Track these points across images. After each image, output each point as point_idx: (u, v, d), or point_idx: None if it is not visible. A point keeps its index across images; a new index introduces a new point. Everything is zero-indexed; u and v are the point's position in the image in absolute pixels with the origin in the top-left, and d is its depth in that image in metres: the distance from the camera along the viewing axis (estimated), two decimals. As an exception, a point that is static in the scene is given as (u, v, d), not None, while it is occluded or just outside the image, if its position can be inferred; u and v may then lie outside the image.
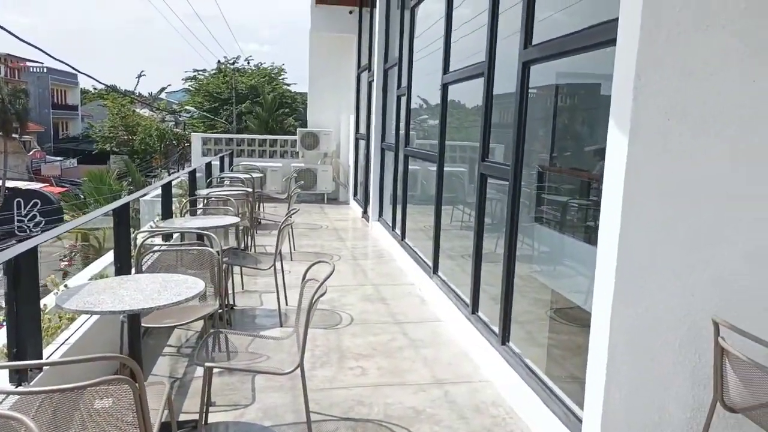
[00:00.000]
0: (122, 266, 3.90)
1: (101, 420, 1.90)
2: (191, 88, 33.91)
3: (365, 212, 9.71)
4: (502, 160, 4.15)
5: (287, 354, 3.07)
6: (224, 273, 4.18)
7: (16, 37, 9.93)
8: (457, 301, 4.73)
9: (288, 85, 33.25)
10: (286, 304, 5.01)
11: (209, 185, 8.03)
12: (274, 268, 4.75)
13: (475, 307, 4.39)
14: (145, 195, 7.30)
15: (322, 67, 12.36)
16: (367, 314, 5.03)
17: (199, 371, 3.64)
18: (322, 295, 2.83)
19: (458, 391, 3.65)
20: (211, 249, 3.80)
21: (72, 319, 3.53)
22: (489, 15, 4.20)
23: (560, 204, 3.67)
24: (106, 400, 1.89)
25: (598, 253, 2.50)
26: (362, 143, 10.47)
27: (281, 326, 4.70)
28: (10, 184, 25.14)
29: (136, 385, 1.89)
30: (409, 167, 6.97)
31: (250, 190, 7.06)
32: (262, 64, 33.75)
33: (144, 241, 4.02)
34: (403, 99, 7.10)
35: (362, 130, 10.52)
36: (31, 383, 2.70)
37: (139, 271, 3.65)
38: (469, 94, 4.98)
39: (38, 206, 21.17)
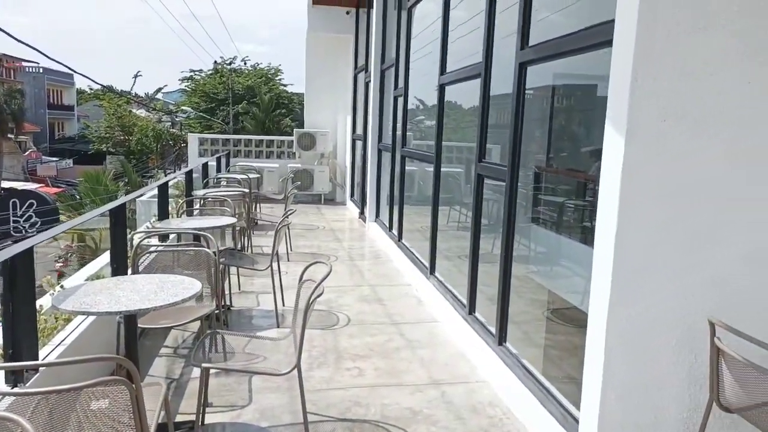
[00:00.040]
0: (119, 267, 3.90)
1: (98, 421, 1.89)
2: (188, 89, 33.85)
3: (362, 213, 9.71)
4: (498, 160, 4.16)
5: (284, 355, 3.06)
6: (221, 274, 4.18)
7: (12, 36, 9.90)
8: (454, 302, 4.73)
9: (285, 85, 33.25)
10: (283, 305, 5.00)
11: (206, 186, 8.03)
12: (271, 269, 4.75)
13: (472, 308, 4.39)
14: (141, 195, 7.28)
15: (319, 67, 12.36)
16: (364, 315, 5.03)
17: (196, 372, 3.63)
18: (319, 296, 2.83)
19: (455, 392, 3.66)
20: (207, 250, 3.79)
21: (68, 320, 3.52)
22: (486, 16, 4.20)
23: (557, 205, 3.67)
24: (102, 401, 1.88)
25: (595, 253, 2.50)
26: (359, 144, 10.47)
27: (278, 327, 4.69)
28: (5, 184, 25.02)
29: (133, 386, 1.89)
30: (406, 168, 6.97)
31: (246, 190, 7.05)
32: (259, 64, 33.74)
33: (140, 241, 4.01)
34: (400, 100, 7.10)
35: (359, 130, 10.53)
36: (27, 384, 2.69)
37: (135, 271, 3.65)
38: (465, 95, 4.99)
39: (34, 207, 21.07)
